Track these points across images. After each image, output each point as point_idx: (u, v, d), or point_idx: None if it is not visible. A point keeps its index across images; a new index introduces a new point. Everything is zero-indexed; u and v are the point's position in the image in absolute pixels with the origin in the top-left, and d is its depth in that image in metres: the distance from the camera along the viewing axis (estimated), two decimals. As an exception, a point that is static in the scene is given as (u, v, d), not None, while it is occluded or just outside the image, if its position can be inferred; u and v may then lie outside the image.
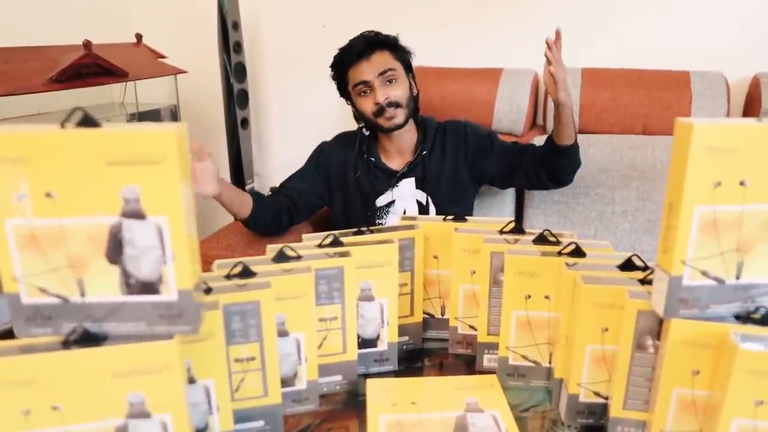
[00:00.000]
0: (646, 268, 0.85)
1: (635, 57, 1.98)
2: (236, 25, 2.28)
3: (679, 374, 0.72)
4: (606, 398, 0.85)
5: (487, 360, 1.01)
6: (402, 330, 1.06)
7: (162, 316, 0.65)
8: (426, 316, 1.11)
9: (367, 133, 1.60)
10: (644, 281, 0.81)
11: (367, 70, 1.47)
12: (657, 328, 0.76)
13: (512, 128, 1.94)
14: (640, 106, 1.79)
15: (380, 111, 1.47)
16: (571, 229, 1.69)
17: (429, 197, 1.56)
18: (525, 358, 0.96)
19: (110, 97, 2.42)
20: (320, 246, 0.96)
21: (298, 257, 0.90)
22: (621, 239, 1.68)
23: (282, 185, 1.62)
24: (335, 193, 1.62)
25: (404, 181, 1.57)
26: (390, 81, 1.48)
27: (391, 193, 1.57)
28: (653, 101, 1.78)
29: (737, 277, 0.69)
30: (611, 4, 2.03)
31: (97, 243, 0.63)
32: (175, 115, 2.33)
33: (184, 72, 2.26)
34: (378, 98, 1.46)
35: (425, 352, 1.09)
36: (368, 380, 0.95)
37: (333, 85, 1.59)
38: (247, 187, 2.49)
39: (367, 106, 1.49)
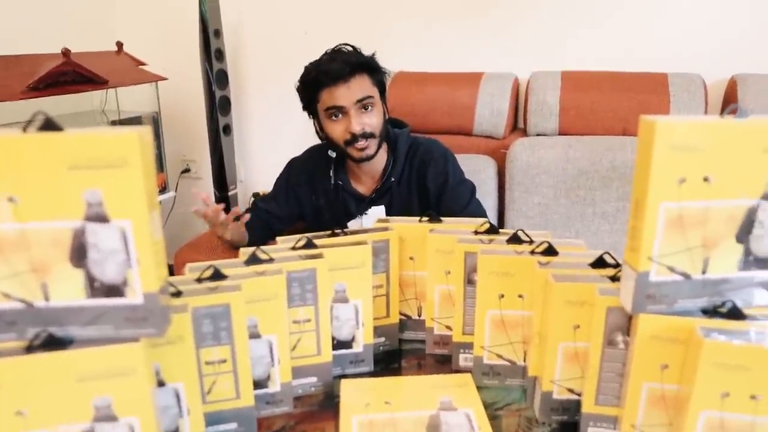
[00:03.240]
0: (617, 265, 0.85)
1: (615, 60, 2.00)
2: (218, 33, 2.29)
3: (649, 369, 0.72)
4: (579, 395, 0.85)
5: (463, 360, 1.01)
6: (378, 331, 1.06)
7: (128, 319, 0.65)
8: (403, 317, 1.10)
9: (334, 155, 1.52)
10: (614, 278, 0.81)
11: (344, 95, 1.37)
12: (626, 324, 0.76)
13: (493, 131, 1.96)
14: (620, 108, 1.81)
15: (352, 140, 1.39)
16: (553, 231, 1.70)
17: None
18: (500, 357, 0.96)
19: (91, 104, 2.41)
20: (294, 248, 0.95)
21: (271, 260, 0.90)
22: (602, 240, 1.69)
23: (259, 207, 1.61)
24: (308, 213, 1.59)
25: (374, 208, 1.51)
26: (366, 108, 1.39)
27: (360, 220, 1.52)
28: (632, 103, 1.80)
29: (703, 272, 0.70)
30: (590, 8, 2.05)
31: (60, 247, 0.63)
32: (156, 122, 2.32)
33: (165, 79, 2.25)
34: (353, 128, 1.37)
35: (402, 353, 1.09)
36: (342, 381, 0.95)
37: None
38: (230, 193, 2.48)
39: (338, 131, 1.40)
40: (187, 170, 2.74)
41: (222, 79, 2.33)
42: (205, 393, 0.81)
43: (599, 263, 0.86)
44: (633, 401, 0.74)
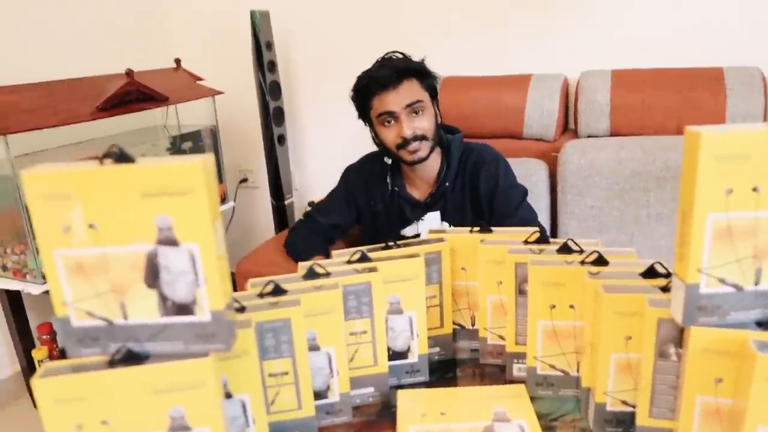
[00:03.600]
0: (668, 275, 0.85)
1: (666, 56, 1.96)
2: (269, 45, 2.36)
3: (702, 382, 0.72)
4: (633, 407, 0.85)
5: (517, 370, 1.03)
6: (433, 341, 1.09)
7: (197, 335, 0.70)
8: (456, 327, 1.13)
9: (390, 161, 1.57)
10: (665, 289, 0.81)
11: (394, 100, 1.42)
12: (678, 336, 0.76)
13: (543, 134, 1.95)
14: (672, 106, 1.77)
15: (404, 144, 1.43)
16: (607, 234, 1.69)
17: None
18: (553, 367, 0.97)
19: (153, 120, 2.53)
20: (349, 262, 0.99)
21: (327, 274, 0.94)
22: (657, 242, 1.67)
23: (314, 219, 1.65)
24: (365, 219, 1.64)
25: (429, 214, 1.55)
26: (416, 112, 1.43)
27: (416, 226, 1.56)
28: (685, 101, 1.76)
29: (756, 284, 0.69)
30: (640, 3, 2.01)
31: (136, 269, 0.68)
32: (214, 135, 2.42)
33: (221, 93, 2.35)
34: (404, 132, 1.42)
35: (457, 363, 1.11)
36: (399, 391, 0.98)
37: None
38: (286, 201, 2.55)
39: (390, 137, 1.45)
40: (244, 180, 2.83)
41: (275, 90, 2.40)
42: (269, 404, 0.86)
43: (650, 273, 0.86)
44: (687, 415, 0.74)
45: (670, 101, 1.77)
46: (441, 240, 1.07)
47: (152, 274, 0.69)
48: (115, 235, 0.67)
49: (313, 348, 0.89)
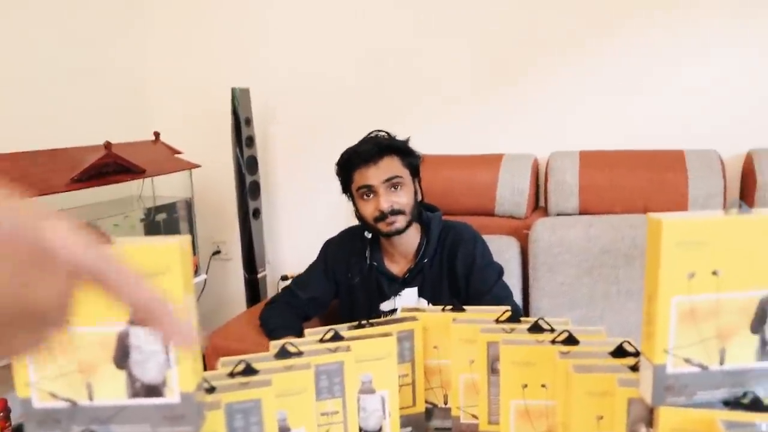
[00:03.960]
0: (637, 354, 0.87)
1: (632, 138, 2.06)
2: (248, 121, 2.42)
3: (674, 463, 0.72)
4: (609, 488, 0.84)
5: (491, 450, 1.01)
6: (405, 420, 1.07)
7: (165, 417, 0.68)
8: (429, 405, 1.11)
9: (370, 236, 1.60)
10: (635, 368, 0.82)
11: (374, 175, 1.46)
12: (648, 415, 0.77)
13: (515, 211, 2.00)
14: (639, 186, 1.85)
15: (381, 217, 1.47)
16: (578, 310, 1.71)
17: (431, 305, 1.55)
18: (527, 447, 0.96)
19: (129, 191, 2.53)
20: (321, 341, 0.99)
21: (299, 353, 0.93)
22: (627, 318, 1.69)
23: (293, 293, 1.65)
24: (343, 292, 1.64)
25: (407, 290, 1.56)
26: (395, 187, 1.47)
27: (394, 301, 1.57)
28: (651, 181, 1.83)
29: (721, 363, 0.71)
30: (605, 87, 2.13)
31: (106, 349, 0.67)
32: (189, 207, 2.42)
33: (198, 166, 2.37)
34: (381, 205, 1.46)
35: (430, 443, 1.09)
36: (370, 474, 0.96)
37: None
38: (259, 275, 2.54)
39: (369, 210, 1.49)
40: (217, 252, 2.82)
41: (252, 164, 2.44)
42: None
43: (619, 352, 0.88)
44: (660, 496, 0.74)
45: (637, 181, 1.85)
46: (414, 319, 1.07)
47: (122, 354, 0.68)
48: (86, 314, 0.67)
49: (284, 430, 0.87)
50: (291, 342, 0.95)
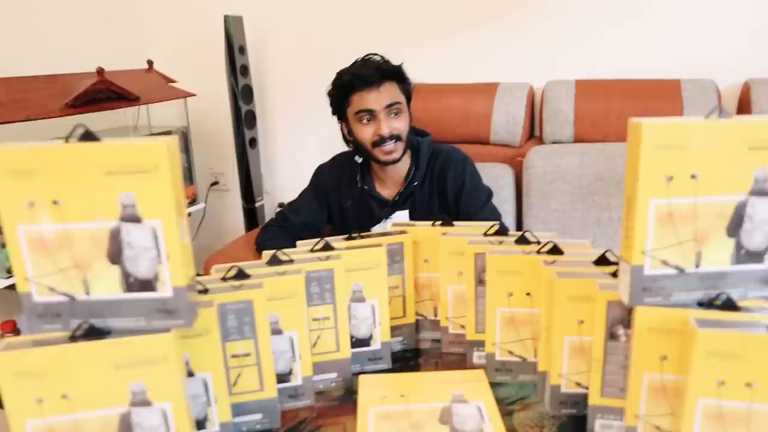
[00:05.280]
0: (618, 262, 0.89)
1: (628, 67, 2.03)
2: (242, 49, 2.38)
3: (648, 360, 0.76)
4: (586, 388, 0.88)
5: (477, 357, 1.05)
6: (396, 331, 1.11)
7: (159, 311, 0.71)
8: (419, 317, 1.15)
9: (360, 160, 1.60)
10: (615, 274, 0.85)
11: (375, 98, 1.46)
12: (627, 317, 0.80)
13: (509, 140, 2.00)
14: (634, 115, 1.82)
15: (380, 142, 1.47)
16: (570, 236, 1.73)
17: None
18: (511, 353, 1.00)
19: (124, 121, 2.52)
20: (312, 251, 1.01)
21: (291, 261, 0.96)
22: (618, 244, 1.71)
23: (286, 217, 1.66)
24: (335, 216, 1.66)
25: (398, 213, 1.58)
26: (395, 114, 1.48)
27: (385, 224, 1.59)
28: (646, 110, 1.82)
29: (696, 266, 0.73)
30: (603, 16, 2.09)
31: (99, 245, 0.69)
32: (185, 137, 2.42)
33: (193, 95, 2.35)
34: (382, 131, 1.46)
35: (420, 353, 1.13)
36: (360, 376, 1.00)
37: None
38: (257, 204, 2.56)
39: (367, 134, 1.49)
40: (215, 183, 2.83)
41: (247, 94, 2.42)
42: (232, 385, 0.87)
43: (602, 261, 0.90)
44: (635, 392, 0.78)
45: (631, 110, 1.84)
46: (404, 232, 1.10)
47: (115, 250, 0.70)
48: (79, 211, 0.69)
49: (276, 331, 0.91)
50: (283, 251, 0.97)
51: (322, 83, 1.56)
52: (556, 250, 0.95)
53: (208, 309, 0.79)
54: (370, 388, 0.96)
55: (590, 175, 1.77)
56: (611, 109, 1.86)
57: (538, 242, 1.00)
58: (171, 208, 0.68)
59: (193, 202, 2.46)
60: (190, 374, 0.80)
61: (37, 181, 0.67)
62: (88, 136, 0.68)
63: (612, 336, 0.81)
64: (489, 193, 1.56)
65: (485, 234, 1.06)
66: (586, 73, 2.03)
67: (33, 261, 0.69)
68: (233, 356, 0.86)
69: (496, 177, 1.87)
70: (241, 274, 0.90)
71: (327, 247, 1.01)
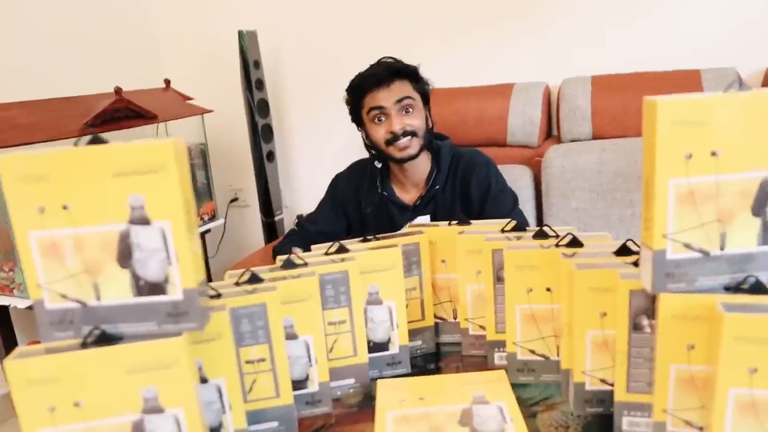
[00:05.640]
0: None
1: (645, 60, 1.99)
2: (257, 64, 2.40)
3: (675, 350, 0.73)
4: (611, 384, 0.85)
5: (498, 358, 1.02)
6: (415, 334, 1.09)
7: (170, 314, 0.70)
8: (438, 320, 1.13)
9: (380, 165, 1.58)
10: (637, 264, 0.82)
11: (386, 96, 1.44)
12: (651, 306, 0.77)
13: (527, 140, 1.98)
14: (653, 109, 1.79)
15: (394, 139, 1.44)
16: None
17: None
18: (533, 352, 0.97)
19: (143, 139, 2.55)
20: (326, 254, 1.00)
21: (305, 264, 0.95)
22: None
23: (304, 227, 1.65)
24: (355, 224, 1.64)
25: (419, 218, 1.55)
26: (407, 110, 1.45)
27: (406, 230, 1.57)
28: (665, 103, 1.78)
29: (722, 248, 0.70)
30: (617, 9, 2.06)
31: (109, 249, 0.69)
32: (204, 153, 2.44)
33: (211, 111, 2.37)
34: (393, 127, 1.43)
35: (440, 356, 1.11)
36: (379, 381, 0.98)
37: None
38: (276, 218, 2.56)
39: (380, 133, 1.46)
40: (235, 199, 2.85)
41: (263, 108, 2.44)
42: (247, 391, 0.86)
43: (624, 252, 0.87)
44: (662, 385, 0.74)
45: (650, 104, 1.80)
46: (420, 232, 1.08)
47: (125, 253, 0.69)
48: (88, 215, 0.68)
49: (291, 336, 0.90)
50: (297, 255, 0.96)
51: (337, 95, 1.56)
52: (575, 243, 0.93)
53: (220, 312, 0.78)
54: (389, 392, 0.94)
55: (610, 172, 1.74)
56: (630, 104, 1.83)
57: (557, 236, 0.97)
58: (179, 208, 0.68)
59: (212, 218, 2.47)
60: (204, 380, 0.79)
61: (47, 186, 0.67)
62: (97, 140, 0.68)
63: (636, 327, 0.78)
64: (515, 198, 1.53)
65: (502, 231, 1.04)
66: (602, 68, 2.00)
67: (44, 267, 0.69)
68: (247, 362, 0.85)
69: (515, 178, 1.85)
70: (255, 279, 0.89)
71: (341, 250, 1.00)
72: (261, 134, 2.44)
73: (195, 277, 0.70)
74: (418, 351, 1.11)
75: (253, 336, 0.84)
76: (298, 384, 0.92)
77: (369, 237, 1.07)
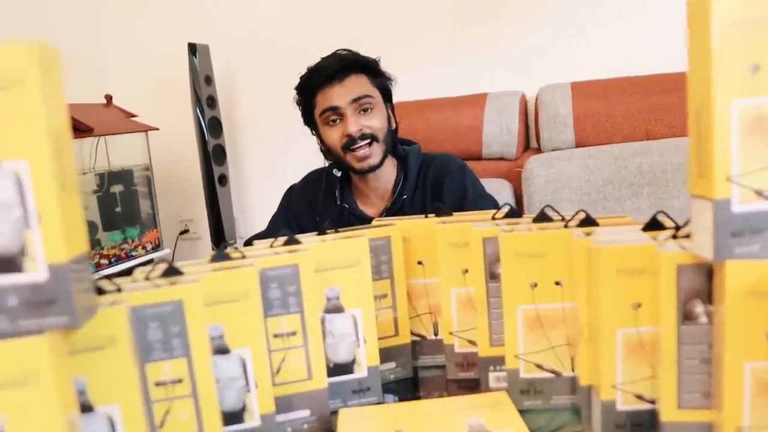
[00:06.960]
0: (677, 227, 0.67)
1: (626, 66, 1.89)
2: (209, 80, 2.23)
3: (749, 341, 0.53)
4: (653, 402, 0.64)
5: (494, 380, 0.80)
6: (387, 354, 0.86)
7: (27, 302, 0.47)
8: (416, 337, 0.91)
9: (339, 173, 1.39)
10: (677, 237, 0.62)
11: (339, 94, 1.27)
12: (707, 287, 0.57)
13: (504, 151, 1.83)
14: (639, 113, 1.67)
15: (350, 143, 1.27)
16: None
17: None
18: (540, 367, 0.75)
19: (80, 159, 2.31)
20: (272, 247, 0.78)
21: (243, 257, 0.73)
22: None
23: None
24: None
25: None
26: (365, 110, 1.28)
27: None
28: (653, 106, 1.66)
29: (806, 198, 0.52)
30: (594, 13, 1.97)
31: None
32: (149, 179, 2.21)
33: (156, 129, 2.16)
34: (349, 129, 1.26)
35: (418, 382, 0.89)
36: (340, 410, 0.75)
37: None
38: (228, 249, 2.33)
39: (335, 137, 1.29)
40: (185, 231, 2.61)
41: (215, 127, 2.25)
42: (157, 426, 0.62)
43: (654, 226, 0.68)
44: (733, 393, 0.54)
45: (636, 107, 1.68)
46: (391, 224, 0.87)
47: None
48: None
49: (221, 349, 0.66)
50: (236, 248, 0.74)
51: (296, 114, 1.38)
52: (589, 222, 0.73)
53: (114, 308, 0.55)
54: (355, 426, 0.71)
55: (598, 180, 1.58)
56: (613, 109, 1.70)
57: (563, 218, 0.78)
58: (42, 143, 0.46)
59: (157, 247, 2.22)
60: (87, 408, 0.55)
61: None
62: None
63: (688, 318, 0.58)
64: (495, 204, 1.35)
65: (493, 218, 0.84)
66: (580, 74, 1.88)
67: None
68: (158, 384, 0.61)
69: (493, 192, 1.65)
70: (172, 271, 0.66)
71: (291, 242, 0.78)
72: (212, 156, 2.23)
73: (68, 247, 0.47)
74: (391, 376, 0.88)
75: (166, 347, 0.61)
76: (232, 417, 0.68)
77: (328, 231, 0.86)
